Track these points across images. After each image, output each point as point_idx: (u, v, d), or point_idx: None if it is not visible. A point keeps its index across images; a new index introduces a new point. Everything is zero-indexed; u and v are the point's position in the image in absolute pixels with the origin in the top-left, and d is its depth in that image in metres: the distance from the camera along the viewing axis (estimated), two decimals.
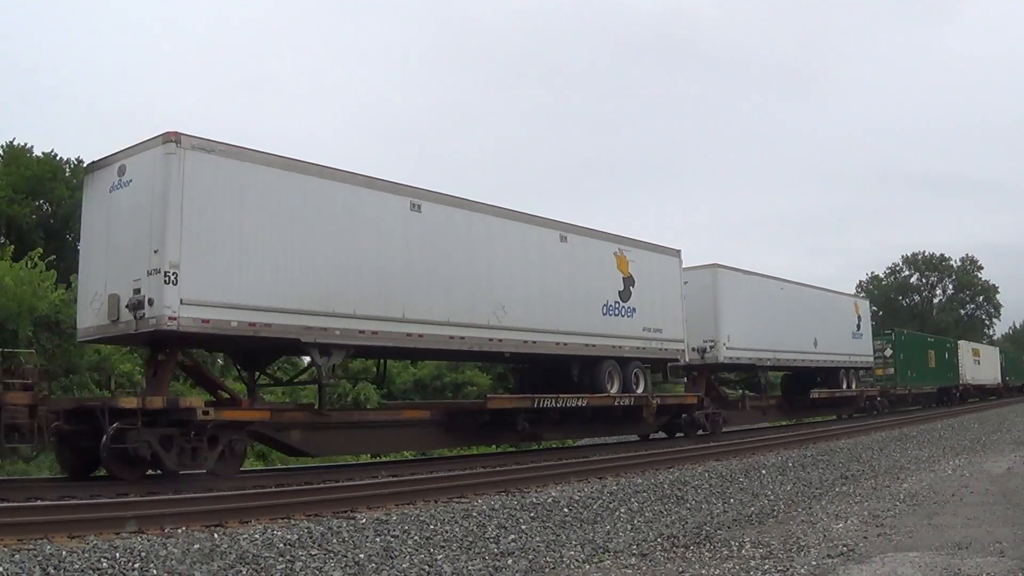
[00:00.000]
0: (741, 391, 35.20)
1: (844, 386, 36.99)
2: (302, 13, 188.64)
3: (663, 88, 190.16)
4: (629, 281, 23.44)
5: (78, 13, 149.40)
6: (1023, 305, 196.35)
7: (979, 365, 61.51)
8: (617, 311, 22.92)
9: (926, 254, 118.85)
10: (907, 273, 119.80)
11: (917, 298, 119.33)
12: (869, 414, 40.50)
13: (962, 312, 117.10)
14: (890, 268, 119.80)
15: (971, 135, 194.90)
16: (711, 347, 27.17)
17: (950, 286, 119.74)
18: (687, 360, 26.09)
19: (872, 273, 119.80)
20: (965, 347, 59.52)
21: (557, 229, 21.59)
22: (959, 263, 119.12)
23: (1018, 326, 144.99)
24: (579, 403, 21.49)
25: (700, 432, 26.61)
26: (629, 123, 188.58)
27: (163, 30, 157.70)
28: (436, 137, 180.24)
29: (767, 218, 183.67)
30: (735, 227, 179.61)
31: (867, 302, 44.22)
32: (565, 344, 21.26)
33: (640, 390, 23.90)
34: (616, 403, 22.75)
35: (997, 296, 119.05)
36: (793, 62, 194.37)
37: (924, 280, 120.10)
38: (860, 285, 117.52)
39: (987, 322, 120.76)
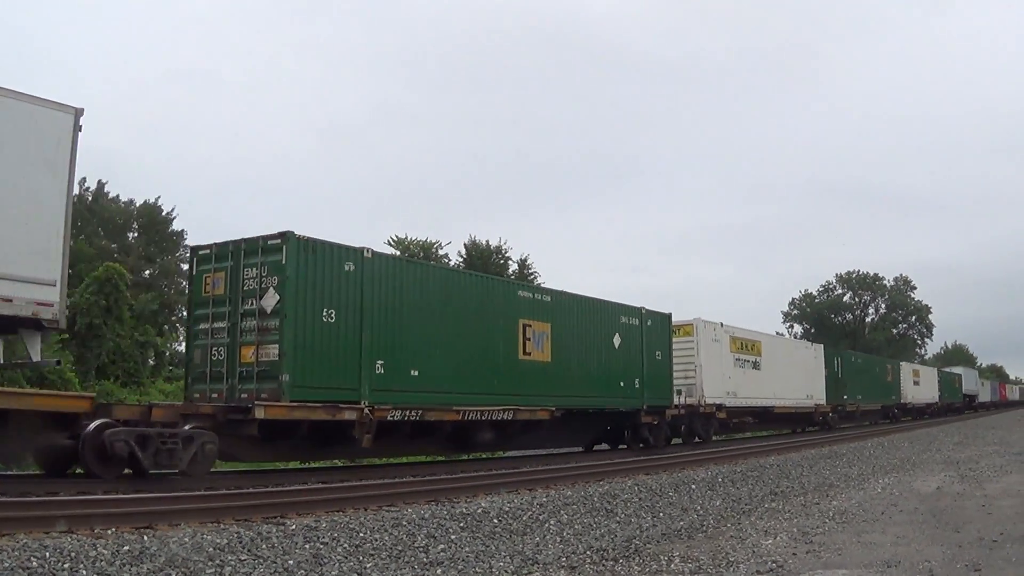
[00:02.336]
0: None
1: None
2: (245, 4, 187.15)
3: (600, 98, 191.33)
4: None
5: None
6: (955, 325, 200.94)
7: (756, 372, 35.26)
8: None
9: (860, 273, 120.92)
10: (840, 291, 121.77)
11: (850, 316, 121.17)
12: None
13: (894, 331, 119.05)
14: (823, 286, 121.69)
15: (910, 153, 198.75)
16: None
17: (883, 305, 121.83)
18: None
19: (805, 291, 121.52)
20: (707, 335, 31.90)
21: None
22: (892, 283, 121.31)
23: (950, 346, 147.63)
24: None
25: None
26: (566, 132, 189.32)
27: (96, 13, 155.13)
28: (376, 137, 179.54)
29: (702, 230, 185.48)
30: (669, 240, 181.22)
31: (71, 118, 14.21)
32: None
33: None
34: None
35: (930, 316, 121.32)
36: (731, 76, 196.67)
37: (857, 299, 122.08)
38: (793, 302, 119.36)
39: (919, 342, 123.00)
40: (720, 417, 32.08)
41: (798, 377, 40.05)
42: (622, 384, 26.18)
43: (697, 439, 31.09)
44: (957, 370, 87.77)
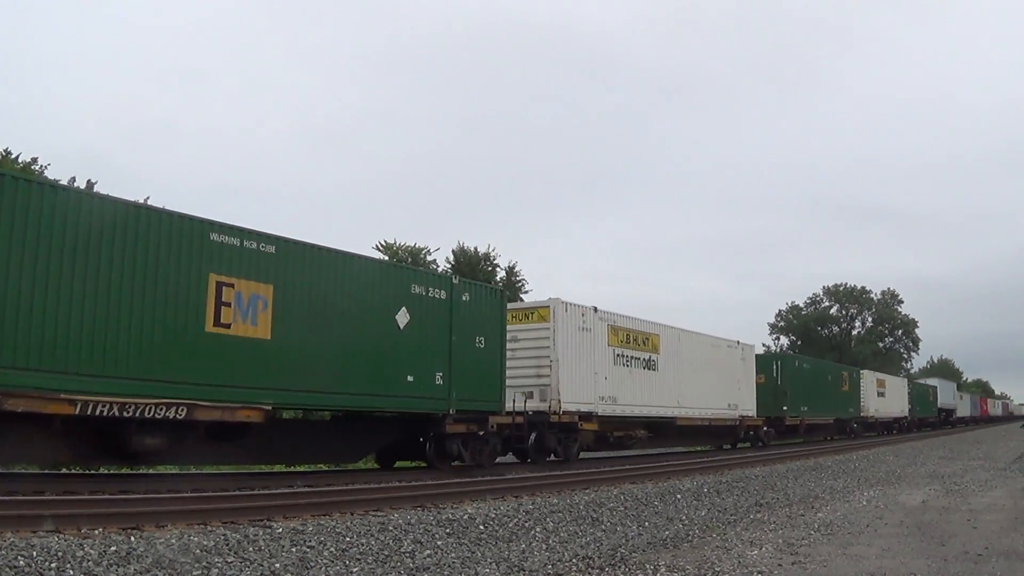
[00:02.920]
0: None
1: None
2: (239, 8, 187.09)
3: (592, 106, 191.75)
4: None
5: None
6: (942, 340, 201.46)
7: (650, 374, 28.17)
8: None
9: (847, 286, 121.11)
10: (827, 304, 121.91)
11: (836, 329, 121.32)
12: None
13: (880, 345, 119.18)
14: (811, 298, 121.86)
15: (901, 168, 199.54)
16: None
17: (869, 319, 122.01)
18: None
19: (792, 302, 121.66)
20: (570, 322, 24.44)
21: None
22: (880, 296, 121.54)
23: (936, 360, 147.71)
24: None
25: None
26: (558, 139, 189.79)
27: (96, 15, 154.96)
28: (367, 143, 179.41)
29: (691, 241, 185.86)
30: (658, 251, 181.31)
31: None
32: None
33: None
34: None
35: (916, 330, 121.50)
36: (724, 87, 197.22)
37: (844, 311, 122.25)
38: (780, 314, 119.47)
39: (905, 356, 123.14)
40: (589, 429, 24.89)
41: (716, 382, 32.57)
42: (411, 379, 19.04)
43: (553, 457, 24.15)
44: (932, 382, 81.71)
